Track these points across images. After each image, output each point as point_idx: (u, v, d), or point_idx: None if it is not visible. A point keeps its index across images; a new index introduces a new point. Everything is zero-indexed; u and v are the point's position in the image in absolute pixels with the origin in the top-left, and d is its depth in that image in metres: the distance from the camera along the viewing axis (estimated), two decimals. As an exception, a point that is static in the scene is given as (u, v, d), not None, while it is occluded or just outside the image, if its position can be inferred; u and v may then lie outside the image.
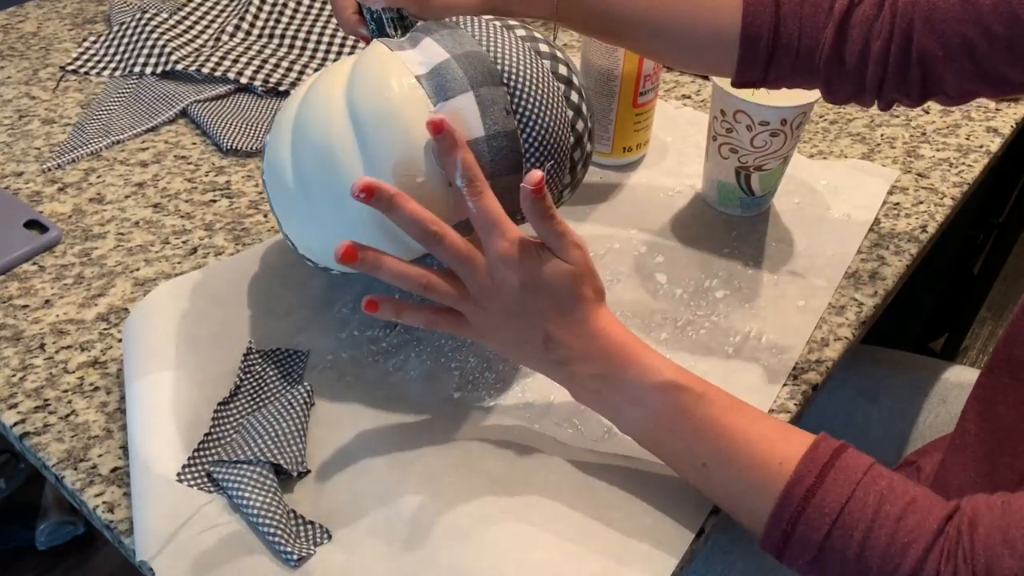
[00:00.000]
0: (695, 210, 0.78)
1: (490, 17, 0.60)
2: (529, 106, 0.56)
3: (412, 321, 0.54)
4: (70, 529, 1.37)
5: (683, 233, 0.75)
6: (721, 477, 0.50)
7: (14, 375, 0.62)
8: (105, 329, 0.65)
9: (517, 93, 0.56)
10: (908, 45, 0.58)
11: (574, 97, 0.59)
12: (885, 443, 0.81)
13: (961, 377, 0.84)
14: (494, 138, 0.55)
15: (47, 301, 0.68)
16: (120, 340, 0.64)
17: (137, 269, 0.71)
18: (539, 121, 0.56)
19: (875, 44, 0.59)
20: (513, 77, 0.56)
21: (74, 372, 0.62)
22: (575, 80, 0.59)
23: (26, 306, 0.68)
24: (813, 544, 0.46)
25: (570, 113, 0.58)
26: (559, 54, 0.60)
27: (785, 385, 0.62)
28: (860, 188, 0.80)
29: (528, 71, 0.56)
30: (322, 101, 0.56)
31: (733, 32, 0.62)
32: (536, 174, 0.49)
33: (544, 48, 0.59)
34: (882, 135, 0.88)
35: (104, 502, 0.54)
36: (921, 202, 0.80)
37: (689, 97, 0.94)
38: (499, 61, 0.56)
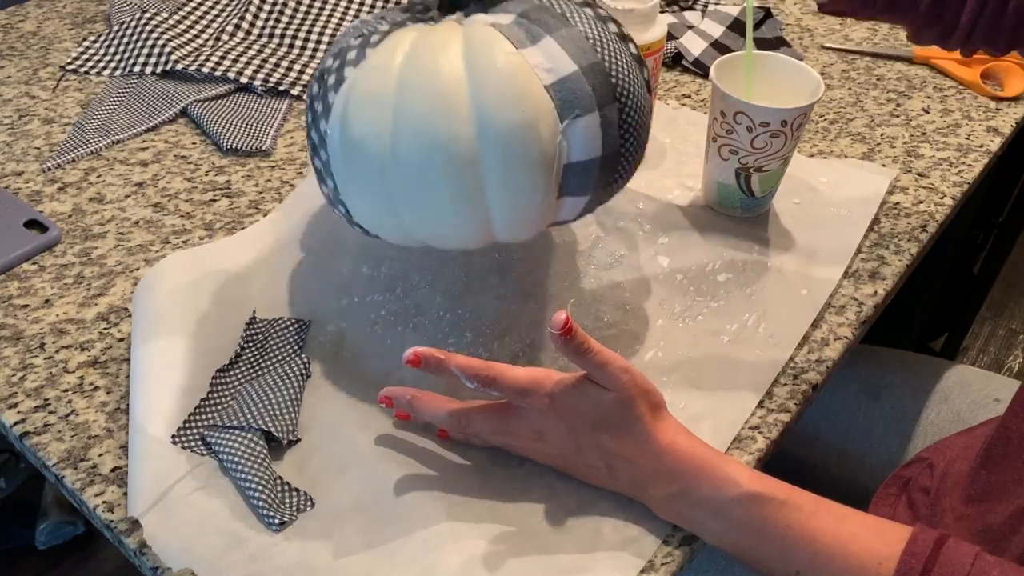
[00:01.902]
0: (694, 210, 0.78)
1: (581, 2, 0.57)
2: (632, 122, 0.55)
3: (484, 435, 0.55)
4: (70, 529, 1.37)
5: (682, 232, 0.75)
6: None
7: (14, 375, 0.62)
8: (105, 329, 0.65)
9: (626, 109, 0.54)
10: None
11: (645, 74, 0.58)
12: (888, 440, 0.81)
13: (963, 376, 0.85)
14: (606, 159, 0.54)
15: (47, 301, 0.68)
16: (121, 340, 0.65)
17: (137, 269, 0.71)
18: (638, 135, 0.55)
19: None
20: (623, 93, 0.54)
21: (74, 372, 0.62)
22: (640, 53, 0.58)
23: (26, 306, 0.67)
24: None
25: (649, 100, 0.57)
26: (626, 31, 0.58)
27: (785, 385, 0.62)
28: (860, 187, 0.80)
29: (632, 82, 0.55)
30: (440, 92, 0.51)
31: None
32: (560, 317, 0.47)
33: (615, 28, 0.57)
34: (882, 135, 0.88)
35: (104, 502, 0.54)
36: (921, 202, 0.80)
37: (688, 97, 0.94)
38: (613, 73, 0.54)
